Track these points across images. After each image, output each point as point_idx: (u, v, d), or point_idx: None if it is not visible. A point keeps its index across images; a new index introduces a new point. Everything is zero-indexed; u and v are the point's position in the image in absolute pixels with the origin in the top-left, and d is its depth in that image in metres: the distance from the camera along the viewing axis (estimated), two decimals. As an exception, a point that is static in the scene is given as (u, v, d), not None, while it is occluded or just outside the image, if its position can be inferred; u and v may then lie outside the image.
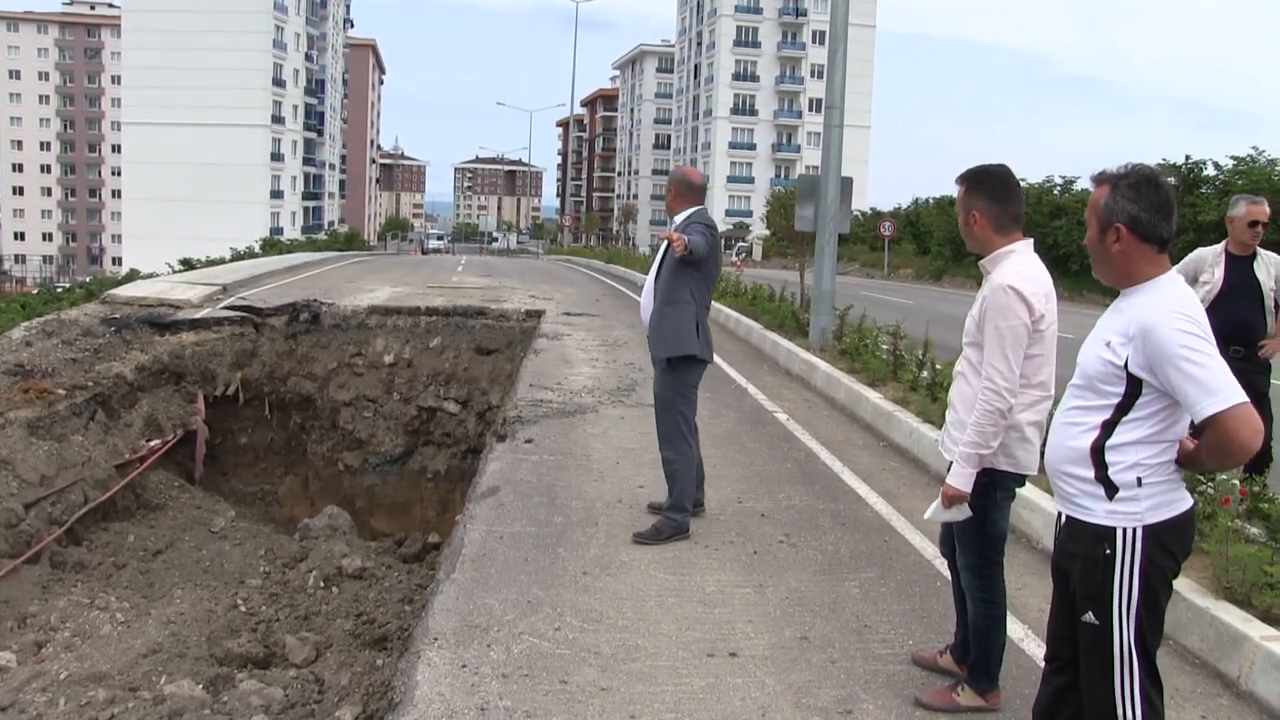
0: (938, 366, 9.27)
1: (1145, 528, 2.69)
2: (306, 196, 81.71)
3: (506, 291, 18.27)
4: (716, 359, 10.78)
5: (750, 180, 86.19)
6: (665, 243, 5.72)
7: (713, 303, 17.24)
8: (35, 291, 21.62)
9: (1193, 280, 6.10)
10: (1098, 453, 2.74)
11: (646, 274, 6.28)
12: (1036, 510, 5.84)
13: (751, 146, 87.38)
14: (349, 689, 4.72)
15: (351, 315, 13.23)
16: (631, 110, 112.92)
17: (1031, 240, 3.65)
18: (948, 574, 5.23)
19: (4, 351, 9.88)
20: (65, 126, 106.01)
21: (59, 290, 20.13)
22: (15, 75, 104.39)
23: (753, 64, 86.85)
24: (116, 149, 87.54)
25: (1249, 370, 5.82)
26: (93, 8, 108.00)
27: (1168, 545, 2.72)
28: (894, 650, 4.35)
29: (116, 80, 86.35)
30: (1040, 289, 3.51)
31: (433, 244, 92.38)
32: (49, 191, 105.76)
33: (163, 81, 69.66)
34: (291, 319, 12.94)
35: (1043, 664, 3.16)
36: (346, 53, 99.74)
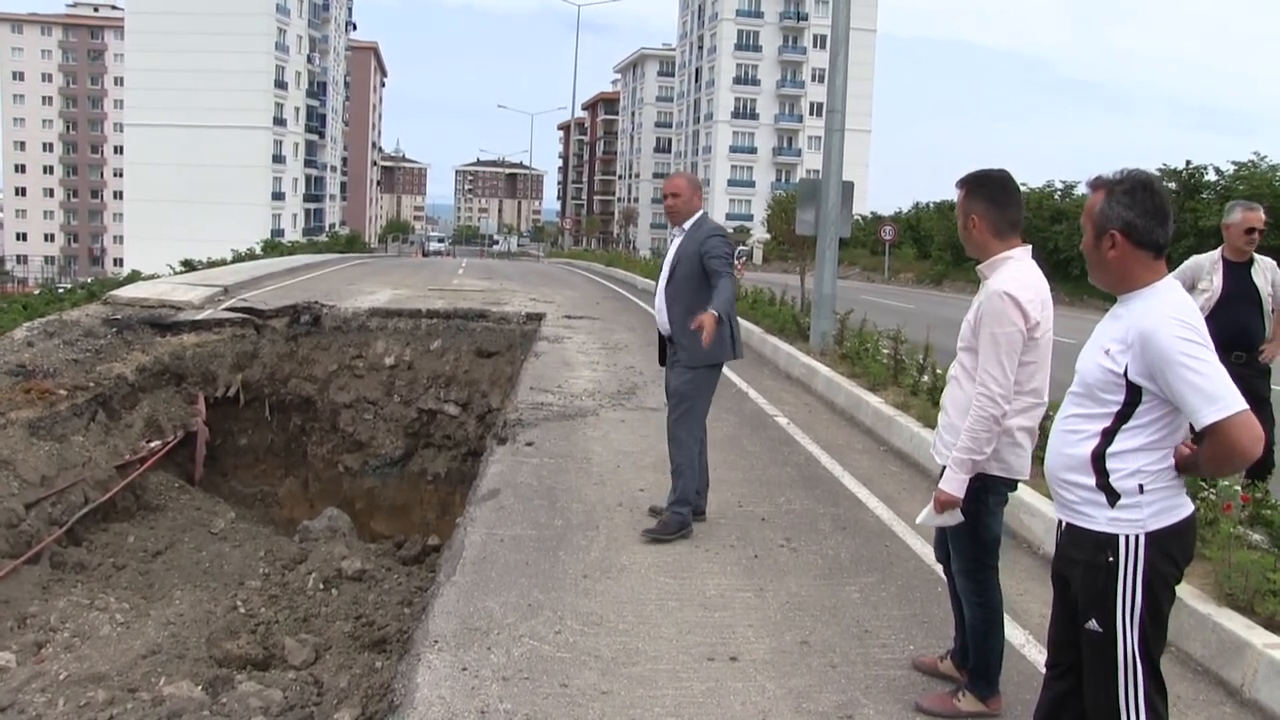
0: (938, 371, 9.26)
1: (1148, 534, 2.69)
2: (308, 198, 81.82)
3: (507, 294, 18.27)
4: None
5: (751, 184, 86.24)
6: (675, 245, 5.88)
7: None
8: (37, 292, 21.65)
9: (1190, 287, 6.10)
10: (1098, 460, 2.73)
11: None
12: (1038, 516, 5.84)
13: (752, 150, 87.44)
14: (348, 691, 4.72)
15: (352, 317, 13.22)
16: (632, 114, 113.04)
17: (1030, 246, 3.65)
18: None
19: (6, 352, 9.88)
20: (68, 128, 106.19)
21: (61, 291, 20.15)
22: (19, 77, 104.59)
23: (754, 68, 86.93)
24: (119, 150, 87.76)
25: (1250, 375, 5.82)
26: (96, 10, 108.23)
27: (1170, 552, 2.71)
28: (895, 655, 4.34)
29: (119, 82, 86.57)
30: (1036, 296, 3.51)
31: (433, 246, 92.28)
32: (51, 192, 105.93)
33: (165, 83, 69.82)
34: (292, 321, 12.94)
35: (1044, 670, 3.15)
36: (348, 55, 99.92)
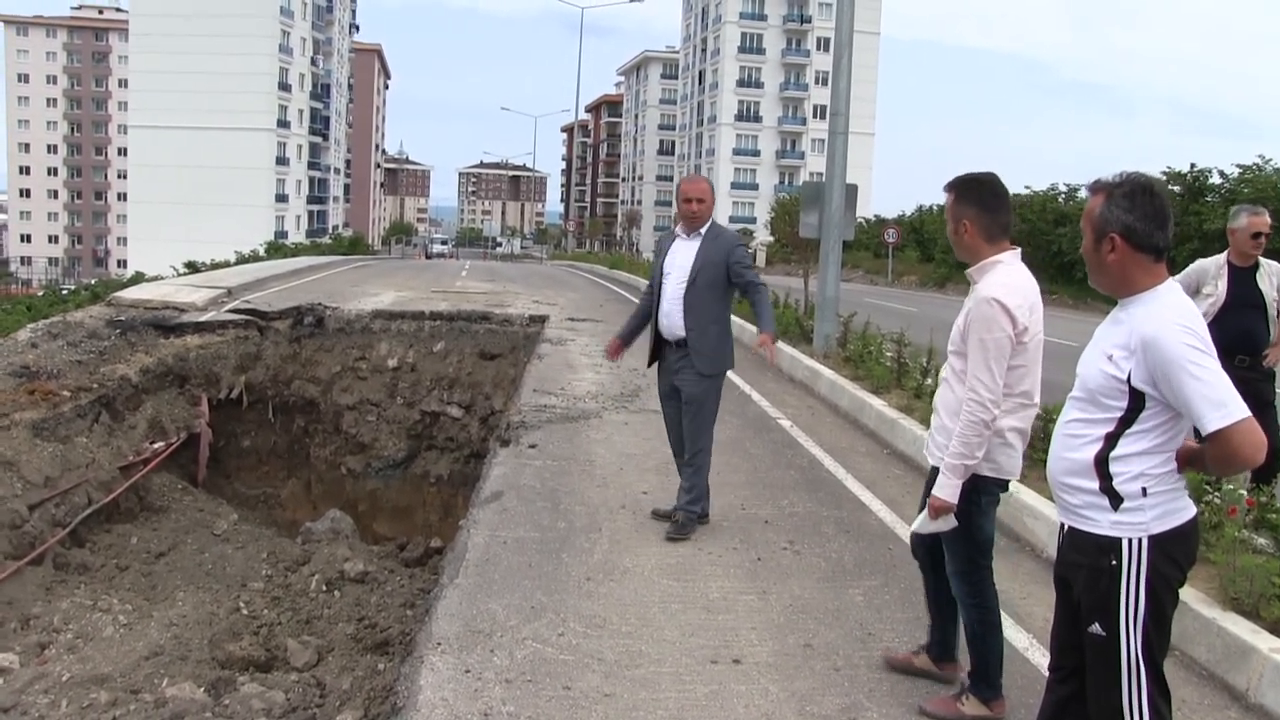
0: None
1: (1150, 538, 2.68)
2: (311, 200, 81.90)
3: (510, 296, 18.27)
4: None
5: (754, 186, 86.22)
6: (685, 249, 5.82)
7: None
8: (41, 293, 21.66)
9: (1195, 291, 6.08)
10: (1101, 464, 2.73)
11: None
12: (1040, 519, 5.83)
13: (756, 153, 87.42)
14: (350, 693, 4.71)
15: (355, 319, 13.23)
16: (636, 116, 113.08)
17: (1019, 249, 3.66)
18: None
19: (10, 353, 9.89)
20: (72, 129, 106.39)
21: (65, 292, 20.18)
22: (24, 79, 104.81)
23: (757, 70, 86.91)
24: (123, 152, 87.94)
25: (1254, 379, 5.82)
26: (100, 12, 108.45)
27: (1173, 555, 2.71)
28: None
29: (123, 84, 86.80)
30: (1025, 301, 3.52)
31: (437, 249, 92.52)
32: (55, 194, 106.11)
33: (169, 85, 69.94)
34: (296, 323, 12.95)
35: (1047, 674, 3.14)
36: (352, 57, 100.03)
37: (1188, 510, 2.74)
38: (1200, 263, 6.24)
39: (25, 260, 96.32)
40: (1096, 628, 2.74)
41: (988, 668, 3.80)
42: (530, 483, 6.83)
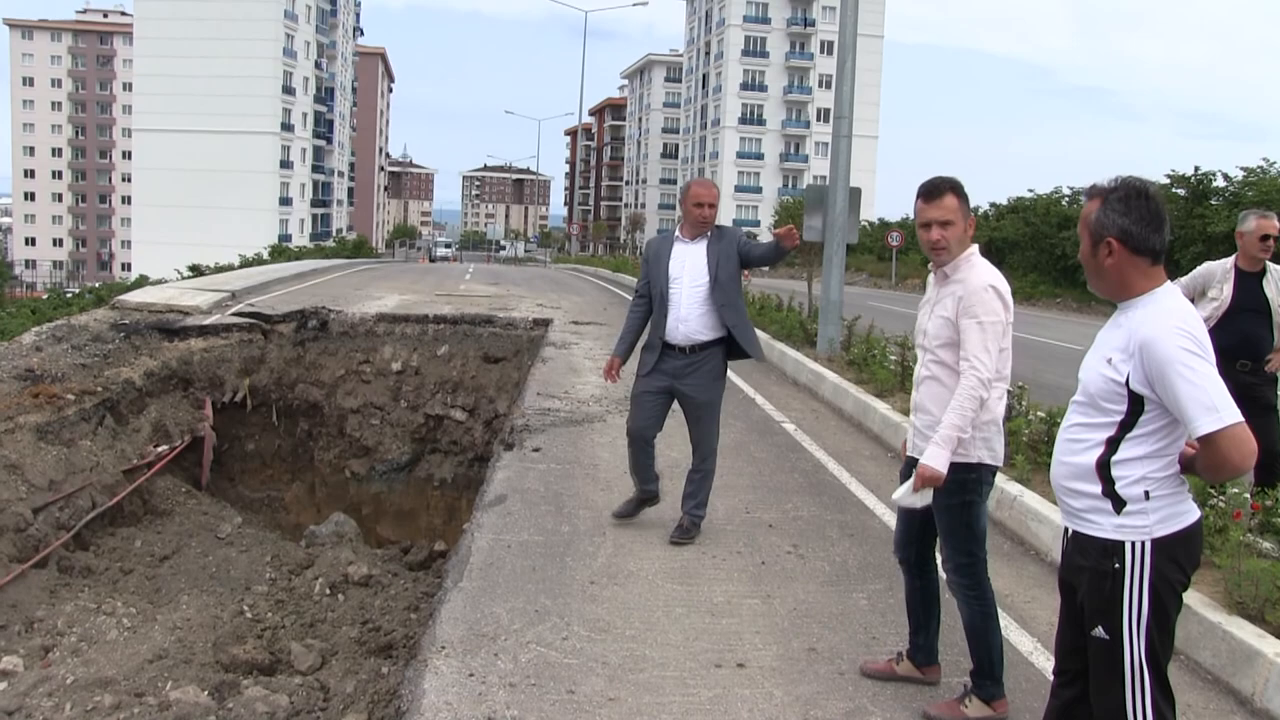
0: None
1: (1154, 541, 2.68)
2: (315, 204, 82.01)
3: (514, 300, 18.29)
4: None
5: (758, 190, 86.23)
6: (694, 252, 5.76)
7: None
8: (45, 296, 21.70)
9: (1200, 295, 6.07)
10: (1104, 468, 2.73)
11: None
12: (1045, 523, 5.82)
13: (759, 156, 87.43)
14: (354, 697, 4.72)
15: (359, 323, 13.25)
16: (639, 119, 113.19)
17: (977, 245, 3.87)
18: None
19: (14, 356, 9.91)
20: (77, 133, 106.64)
21: (69, 295, 20.22)
22: (29, 82, 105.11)
23: (761, 74, 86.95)
24: (127, 155, 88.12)
25: (1256, 384, 5.81)
26: (105, 15, 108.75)
27: (1176, 558, 2.71)
28: (902, 662, 4.32)
29: (128, 87, 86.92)
30: (1008, 291, 3.76)
31: (440, 252, 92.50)
32: (60, 197, 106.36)
33: (173, 88, 70.15)
34: (300, 326, 12.97)
35: (1051, 678, 3.14)
36: (356, 61, 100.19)
37: (1191, 513, 2.74)
38: (1207, 266, 6.23)
39: (30, 263, 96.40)
40: (1100, 631, 2.73)
41: (991, 664, 3.81)
42: (534, 486, 6.83)
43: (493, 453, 8.47)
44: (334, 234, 76.76)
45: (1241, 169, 27.55)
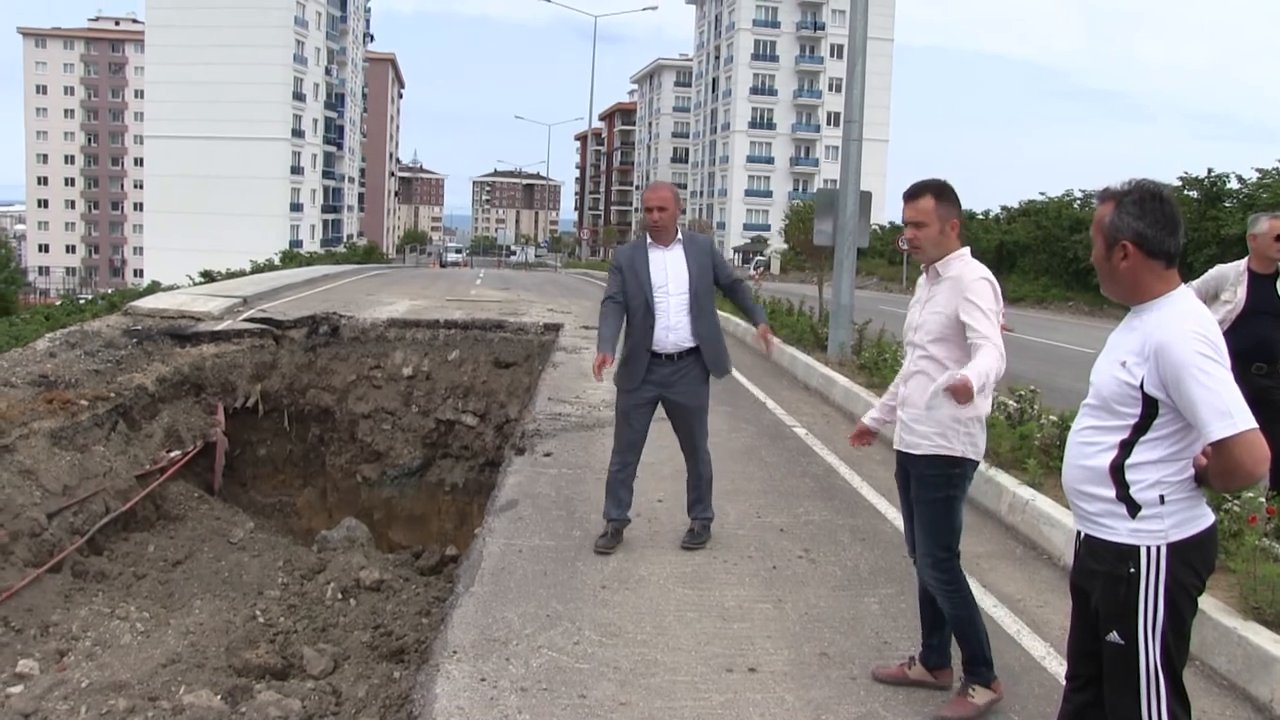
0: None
1: (1169, 545, 2.67)
2: (326, 209, 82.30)
3: (524, 305, 18.31)
4: (735, 373, 10.66)
5: (768, 194, 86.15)
6: (671, 259, 5.69)
7: (731, 316, 17.32)
8: (58, 303, 21.78)
9: (1213, 297, 6.03)
10: (1117, 472, 2.72)
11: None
12: (1057, 527, 5.80)
13: (769, 160, 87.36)
14: (366, 701, 4.73)
15: (370, 328, 13.28)
16: (649, 124, 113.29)
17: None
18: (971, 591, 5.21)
19: (28, 362, 9.96)
20: (89, 140, 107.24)
21: (82, 302, 20.29)
22: (42, 90, 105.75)
23: (771, 78, 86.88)
24: (139, 162, 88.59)
25: (1272, 388, 5.77)
26: (117, 23, 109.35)
27: (1192, 562, 2.69)
28: (915, 667, 4.30)
29: (139, 94, 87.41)
30: (998, 287, 3.89)
31: (451, 257, 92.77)
32: (72, 204, 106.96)
33: (185, 95, 70.50)
34: (311, 331, 13.01)
35: (1064, 682, 3.13)
36: (366, 67, 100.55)
37: (1206, 517, 2.73)
38: (1220, 268, 6.19)
39: (43, 270, 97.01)
40: (1115, 636, 2.72)
41: (981, 648, 3.91)
42: (545, 491, 6.84)
43: (504, 458, 8.48)
44: (344, 240, 77.14)
45: (1256, 170, 27.44)
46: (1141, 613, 2.67)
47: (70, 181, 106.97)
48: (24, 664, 5.48)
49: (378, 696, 4.73)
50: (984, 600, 5.12)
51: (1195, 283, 6.11)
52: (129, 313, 13.80)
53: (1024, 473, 6.59)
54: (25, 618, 6.14)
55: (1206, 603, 4.26)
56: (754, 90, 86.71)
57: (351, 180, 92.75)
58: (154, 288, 21.20)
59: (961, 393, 3.47)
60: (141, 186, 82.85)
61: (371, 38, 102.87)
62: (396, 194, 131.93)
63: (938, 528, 3.88)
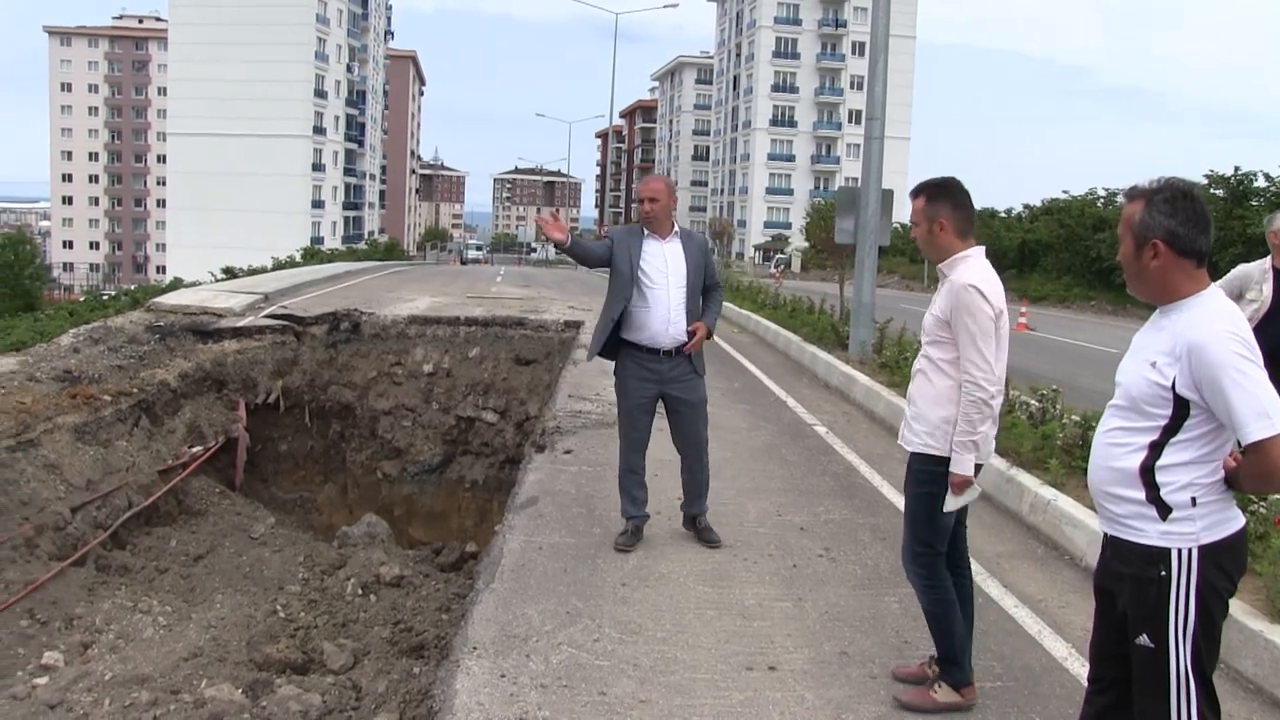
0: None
1: (1201, 548, 2.63)
2: (347, 206, 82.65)
3: (545, 302, 18.32)
4: (756, 371, 10.61)
5: (789, 192, 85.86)
6: (669, 253, 5.68)
7: (751, 314, 17.25)
8: (82, 299, 21.96)
9: (1238, 297, 5.96)
10: (1147, 473, 2.68)
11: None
12: (1080, 527, 5.75)
13: (790, 158, 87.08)
14: (386, 696, 4.74)
15: (391, 325, 13.32)
16: (670, 121, 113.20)
17: (983, 247, 3.90)
18: (989, 590, 5.18)
19: (53, 358, 10.05)
20: (113, 137, 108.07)
21: (105, 298, 20.45)
22: (66, 88, 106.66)
23: (792, 75, 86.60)
24: (162, 159, 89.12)
25: (1300, 387, 5.69)
26: (140, 21, 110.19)
27: (1223, 565, 2.66)
28: (936, 667, 4.28)
29: (163, 92, 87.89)
30: (996, 289, 3.78)
31: (471, 254, 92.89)
32: (96, 201, 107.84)
33: (207, 93, 70.95)
34: (332, 328, 13.07)
35: (1086, 684, 3.10)
36: (387, 64, 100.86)
37: (1237, 520, 2.69)
38: (1244, 267, 6.12)
39: (67, 266, 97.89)
40: (1145, 639, 2.68)
41: (953, 649, 3.87)
42: (565, 488, 6.84)
43: (524, 455, 8.49)
44: (365, 237, 77.37)
45: (1285, 168, 27.13)
46: (1172, 616, 2.64)
47: (94, 178, 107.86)
48: (49, 656, 5.54)
49: (397, 692, 4.75)
50: (1005, 600, 5.10)
51: (1219, 283, 6.03)
52: (152, 309, 13.90)
53: (1046, 472, 6.54)
54: (50, 610, 6.20)
55: (1233, 606, 4.21)
56: (775, 88, 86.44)
57: (372, 177, 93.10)
58: (176, 284, 21.33)
59: (962, 484, 3.74)
60: (164, 183, 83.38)
61: (392, 35, 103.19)
62: (417, 191, 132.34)
63: (918, 522, 3.92)
